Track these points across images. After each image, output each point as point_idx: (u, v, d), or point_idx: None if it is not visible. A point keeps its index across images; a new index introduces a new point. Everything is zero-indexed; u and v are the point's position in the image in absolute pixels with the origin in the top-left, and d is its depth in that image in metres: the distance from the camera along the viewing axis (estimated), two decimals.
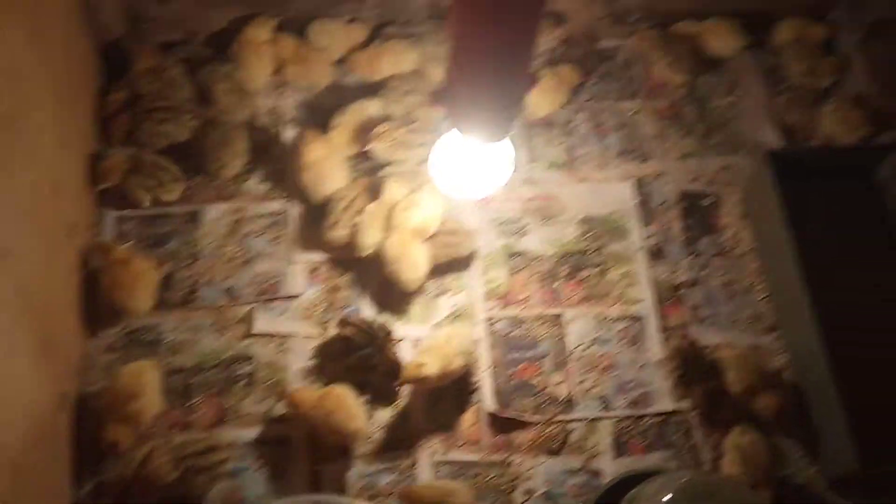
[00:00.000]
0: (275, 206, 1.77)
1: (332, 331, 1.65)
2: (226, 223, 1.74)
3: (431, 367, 1.53)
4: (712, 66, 1.97)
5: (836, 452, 1.56)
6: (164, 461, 1.48)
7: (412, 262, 1.64)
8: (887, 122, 1.89)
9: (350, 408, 1.53)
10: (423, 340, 1.64)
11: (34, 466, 1.36)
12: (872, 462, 1.50)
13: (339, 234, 1.70)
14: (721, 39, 1.95)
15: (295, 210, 1.76)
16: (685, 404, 1.65)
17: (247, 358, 1.63)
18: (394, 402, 1.60)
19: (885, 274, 1.77)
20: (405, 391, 1.60)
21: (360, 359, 1.60)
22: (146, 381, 1.53)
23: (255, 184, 1.79)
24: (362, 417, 1.53)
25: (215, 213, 1.75)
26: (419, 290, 1.68)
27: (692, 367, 1.65)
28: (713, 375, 1.65)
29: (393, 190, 1.72)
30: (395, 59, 1.87)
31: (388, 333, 1.63)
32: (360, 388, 1.59)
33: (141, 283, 1.62)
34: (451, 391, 1.62)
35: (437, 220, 1.72)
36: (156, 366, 1.56)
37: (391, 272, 1.65)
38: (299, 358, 1.64)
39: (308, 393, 1.54)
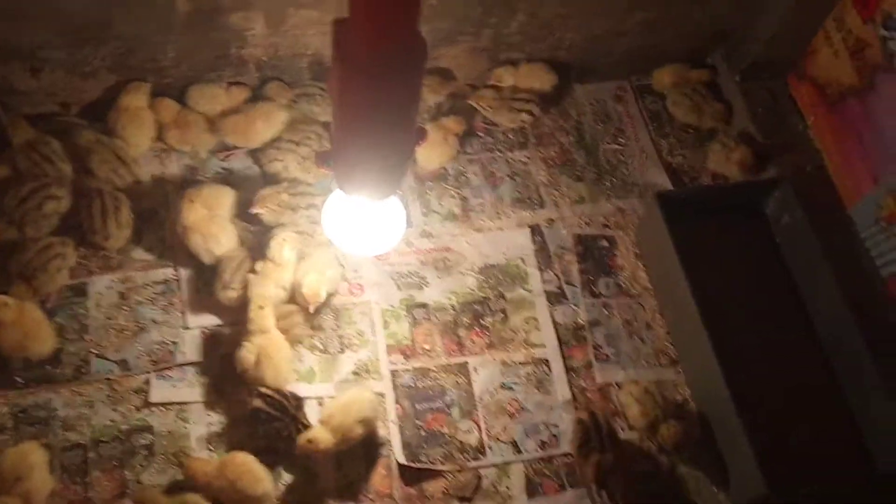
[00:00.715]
0: (164, 273, 1.83)
1: (235, 398, 1.71)
2: (115, 293, 1.80)
3: (324, 442, 1.61)
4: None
5: (745, 479, 1.68)
6: None
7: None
8: (770, 157, 2.07)
9: (255, 472, 1.59)
10: (324, 407, 1.70)
11: None
12: (780, 487, 1.62)
13: (230, 295, 1.76)
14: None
15: (185, 275, 1.83)
16: None
17: (146, 428, 1.68)
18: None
19: (777, 303, 1.93)
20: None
21: (273, 430, 1.66)
22: (32, 462, 1.56)
23: (142, 252, 1.85)
24: (269, 480, 1.59)
25: (103, 284, 1.80)
26: None
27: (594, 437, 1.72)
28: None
29: (283, 250, 1.78)
30: (269, 122, 1.95)
31: (300, 402, 1.70)
32: (272, 456, 1.65)
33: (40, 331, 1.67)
34: (359, 448, 1.68)
35: (333, 281, 1.80)
36: (43, 445, 1.60)
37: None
38: (200, 425, 1.70)
39: (205, 463, 1.60)
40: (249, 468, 1.58)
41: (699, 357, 1.77)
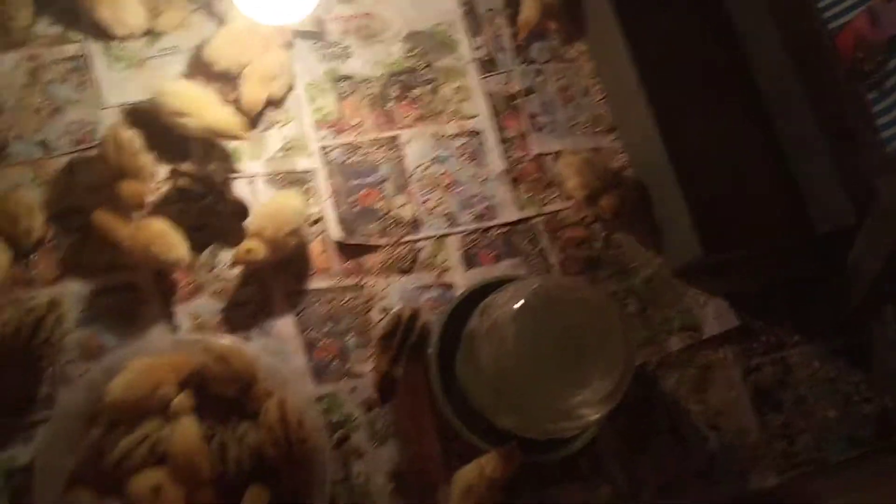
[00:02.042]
0: (72, 49, 1.72)
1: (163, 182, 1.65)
2: (22, 72, 1.69)
3: (259, 252, 1.56)
4: None
5: (680, 242, 1.69)
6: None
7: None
8: None
9: (169, 238, 1.55)
10: (253, 218, 1.62)
11: None
12: (714, 248, 1.63)
13: None
14: None
15: (95, 50, 1.72)
16: (529, 212, 1.75)
17: (78, 210, 1.62)
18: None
19: (719, 61, 1.88)
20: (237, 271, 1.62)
21: (201, 208, 1.63)
22: None
23: (45, 27, 1.72)
24: (183, 246, 1.56)
25: (9, 63, 1.69)
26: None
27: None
28: None
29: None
30: None
31: (226, 176, 1.66)
32: (205, 234, 1.63)
33: None
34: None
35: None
36: None
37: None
38: None
39: (117, 222, 1.55)
40: (164, 233, 1.54)
41: (637, 121, 1.74)
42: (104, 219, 1.55)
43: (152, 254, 1.52)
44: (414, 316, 1.61)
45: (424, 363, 1.60)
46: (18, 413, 1.50)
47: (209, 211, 1.62)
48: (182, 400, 1.48)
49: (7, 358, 1.49)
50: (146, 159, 1.59)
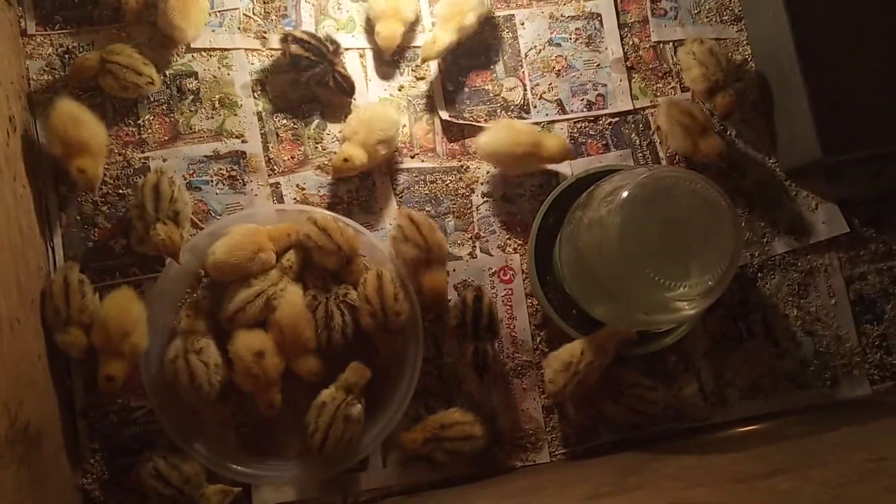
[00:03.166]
0: None
1: (275, 44, 1.68)
2: None
3: (359, 159, 1.57)
4: None
5: (799, 142, 1.64)
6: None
7: None
8: None
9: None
10: (346, 122, 1.62)
11: None
12: (835, 150, 1.57)
13: None
14: None
15: None
16: (643, 102, 1.72)
17: (191, 73, 1.67)
18: (345, 118, 1.65)
19: None
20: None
21: (310, 77, 1.64)
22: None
23: None
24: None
25: None
26: None
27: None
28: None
29: None
30: None
31: (337, 47, 1.66)
32: (313, 105, 1.67)
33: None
34: None
35: None
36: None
37: None
38: (243, 72, 1.69)
39: None
40: None
41: (767, 10, 1.66)
42: None
43: None
44: (478, 296, 1.58)
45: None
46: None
47: (316, 82, 1.64)
48: (291, 258, 1.53)
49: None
50: None
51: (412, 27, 1.70)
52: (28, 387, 1.40)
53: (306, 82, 1.64)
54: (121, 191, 1.61)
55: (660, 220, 1.38)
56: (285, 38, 1.64)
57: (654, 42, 1.74)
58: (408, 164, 1.67)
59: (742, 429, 1.61)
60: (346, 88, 1.65)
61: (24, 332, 1.42)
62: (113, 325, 1.47)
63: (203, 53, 1.67)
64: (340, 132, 1.64)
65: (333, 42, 1.65)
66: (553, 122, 1.69)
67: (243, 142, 1.65)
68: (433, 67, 1.70)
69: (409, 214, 1.55)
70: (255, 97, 1.67)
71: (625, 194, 1.37)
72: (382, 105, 1.66)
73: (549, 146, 1.61)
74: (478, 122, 1.68)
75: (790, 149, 1.68)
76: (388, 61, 1.70)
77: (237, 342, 1.49)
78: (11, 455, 1.30)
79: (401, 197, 1.65)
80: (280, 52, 1.66)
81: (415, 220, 1.54)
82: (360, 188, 1.65)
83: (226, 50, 1.68)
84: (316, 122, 1.67)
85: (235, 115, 1.66)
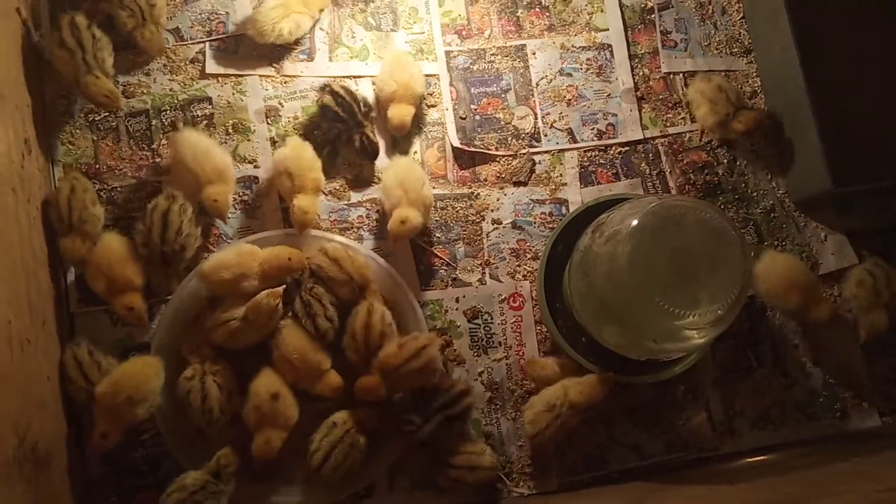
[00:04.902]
0: None
1: (288, 71, 1.70)
2: None
3: (414, 219, 1.54)
4: None
5: (809, 173, 1.64)
6: None
7: None
8: None
9: (309, 159, 1.59)
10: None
11: None
12: (844, 180, 1.58)
13: None
14: None
15: None
16: (652, 132, 1.73)
17: (204, 98, 1.69)
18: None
19: None
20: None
21: (337, 131, 1.66)
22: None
23: None
24: (319, 167, 1.60)
25: None
26: None
27: None
28: None
29: None
30: None
31: (369, 110, 1.67)
32: (329, 148, 1.67)
33: None
34: None
35: None
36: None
37: None
38: (257, 98, 1.70)
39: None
40: (304, 154, 1.59)
41: (776, 43, 1.68)
42: None
43: (292, 169, 1.56)
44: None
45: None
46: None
47: (338, 136, 1.66)
48: (278, 295, 1.50)
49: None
50: None
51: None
52: (37, 407, 1.40)
53: (326, 133, 1.66)
54: (133, 214, 1.61)
55: (669, 249, 1.38)
56: (323, 88, 1.66)
57: (665, 73, 1.75)
58: None
59: (751, 459, 1.60)
60: (370, 153, 1.66)
61: (34, 353, 1.42)
62: (126, 388, 1.44)
63: (217, 79, 1.69)
64: (380, 199, 1.64)
65: (367, 104, 1.66)
66: (563, 150, 1.70)
67: (256, 167, 1.66)
68: (445, 96, 1.71)
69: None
70: (268, 123, 1.68)
71: (634, 223, 1.37)
72: (406, 160, 1.64)
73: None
74: (489, 150, 1.69)
75: (800, 179, 1.69)
76: None
77: (260, 378, 1.49)
78: (19, 475, 1.30)
79: None
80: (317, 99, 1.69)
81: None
82: (371, 213, 1.66)
83: (240, 76, 1.69)
84: (327, 149, 1.67)
85: (248, 140, 1.67)
